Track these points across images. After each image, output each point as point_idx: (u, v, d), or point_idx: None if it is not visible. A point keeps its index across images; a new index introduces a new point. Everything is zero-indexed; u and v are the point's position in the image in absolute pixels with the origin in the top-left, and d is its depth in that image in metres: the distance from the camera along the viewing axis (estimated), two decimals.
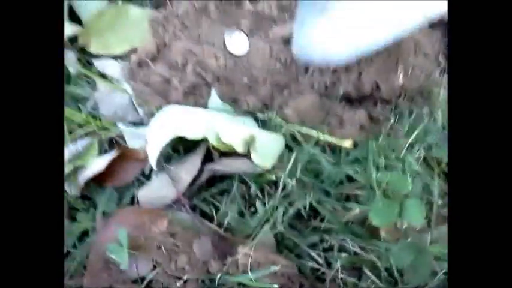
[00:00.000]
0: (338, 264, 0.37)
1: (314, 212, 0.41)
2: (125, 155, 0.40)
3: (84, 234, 0.39)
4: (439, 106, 0.46)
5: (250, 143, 0.39)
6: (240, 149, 0.38)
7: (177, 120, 0.40)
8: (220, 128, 0.39)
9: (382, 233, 0.38)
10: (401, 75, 0.45)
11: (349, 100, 0.45)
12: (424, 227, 0.38)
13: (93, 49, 0.48)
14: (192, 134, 0.39)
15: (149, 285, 0.37)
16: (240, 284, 0.36)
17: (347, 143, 0.40)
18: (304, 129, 0.41)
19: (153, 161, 0.38)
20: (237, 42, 0.45)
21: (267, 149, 0.40)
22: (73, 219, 0.40)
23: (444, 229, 0.38)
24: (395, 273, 0.37)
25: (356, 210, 0.39)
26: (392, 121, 0.44)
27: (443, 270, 0.36)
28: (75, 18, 0.50)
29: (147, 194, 0.39)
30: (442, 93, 0.47)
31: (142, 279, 0.36)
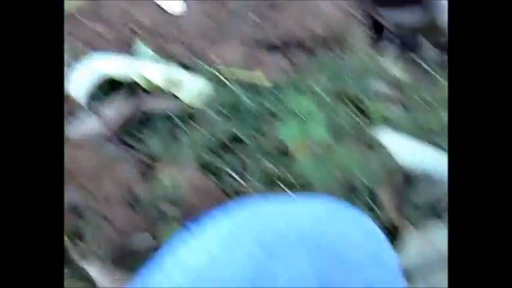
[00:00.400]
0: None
1: (236, 141, 0.44)
2: None
3: None
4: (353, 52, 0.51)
5: (175, 82, 0.43)
6: (165, 87, 0.42)
7: (105, 64, 0.44)
8: (146, 69, 0.43)
9: (293, 150, 0.42)
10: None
11: (272, 47, 0.50)
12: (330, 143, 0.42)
13: None
14: (119, 75, 0.43)
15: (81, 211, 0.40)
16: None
17: (257, 74, 0.44)
18: (224, 69, 0.46)
19: (80, 99, 0.42)
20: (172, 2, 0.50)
21: (192, 88, 0.44)
22: None
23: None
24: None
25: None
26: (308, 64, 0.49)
27: None
28: None
29: (77, 130, 0.43)
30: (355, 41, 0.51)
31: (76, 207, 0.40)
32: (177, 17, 0.50)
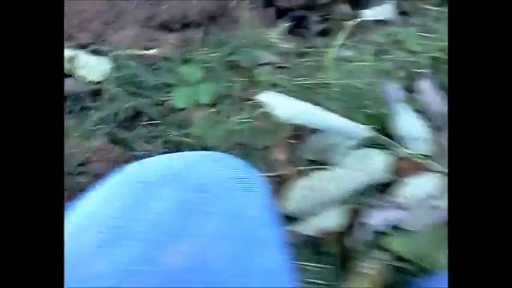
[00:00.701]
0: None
1: (140, 114, 0.55)
2: None
3: None
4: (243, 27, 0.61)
5: (73, 62, 0.51)
6: (70, 69, 0.51)
7: None
8: None
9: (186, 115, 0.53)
10: None
11: (167, 27, 0.60)
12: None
13: None
14: None
15: None
16: None
17: (152, 52, 0.54)
18: (124, 50, 0.55)
19: None
20: None
21: (91, 67, 0.53)
22: None
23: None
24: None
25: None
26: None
27: None
28: None
29: None
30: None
31: None
32: (77, 3, 0.58)
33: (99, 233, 0.29)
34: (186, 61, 0.55)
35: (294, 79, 0.60)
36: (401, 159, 0.53)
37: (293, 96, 0.56)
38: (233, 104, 0.55)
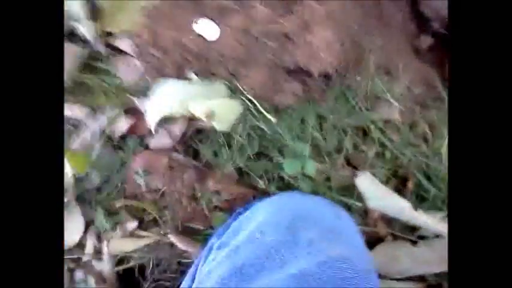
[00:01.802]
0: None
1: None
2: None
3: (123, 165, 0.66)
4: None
5: (211, 115, 0.59)
6: (204, 119, 0.59)
7: (167, 99, 0.61)
8: (192, 105, 0.59)
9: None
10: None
11: (289, 71, 0.61)
12: None
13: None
14: (176, 112, 0.60)
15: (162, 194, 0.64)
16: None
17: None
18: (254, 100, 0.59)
19: (152, 126, 0.61)
20: (208, 29, 0.61)
21: (225, 116, 0.61)
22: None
23: None
24: None
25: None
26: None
27: None
28: None
29: (154, 143, 0.64)
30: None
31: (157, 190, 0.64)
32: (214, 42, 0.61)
33: None
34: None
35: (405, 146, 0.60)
36: None
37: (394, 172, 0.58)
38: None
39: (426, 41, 0.67)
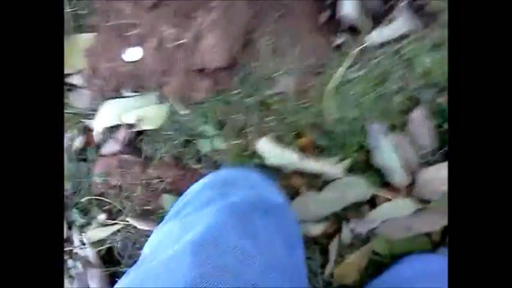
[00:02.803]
0: None
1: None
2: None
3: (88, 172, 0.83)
4: None
5: (140, 119, 0.75)
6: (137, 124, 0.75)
7: (109, 115, 0.78)
8: (124, 116, 0.76)
9: None
10: None
11: (199, 72, 0.76)
12: None
13: None
14: (117, 123, 0.77)
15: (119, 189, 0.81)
16: None
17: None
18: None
19: (98, 138, 0.78)
20: (133, 54, 0.78)
21: (155, 118, 0.77)
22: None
23: None
24: None
25: None
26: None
27: None
28: None
29: (106, 150, 0.81)
30: None
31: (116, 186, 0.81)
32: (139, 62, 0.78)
33: None
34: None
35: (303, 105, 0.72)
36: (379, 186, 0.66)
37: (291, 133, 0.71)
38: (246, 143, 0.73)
39: (324, 16, 0.79)
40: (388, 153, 0.65)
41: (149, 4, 0.78)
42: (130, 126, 0.78)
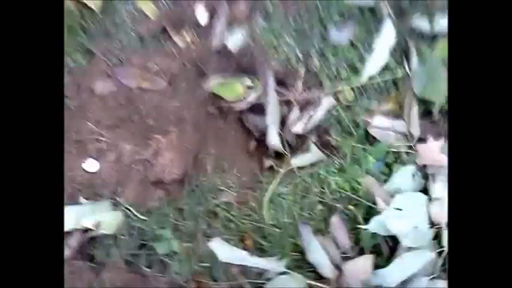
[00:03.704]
0: None
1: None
2: None
3: None
4: None
5: (98, 225, 0.81)
6: (94, 228, 0.81)
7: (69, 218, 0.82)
8: (83, 221, 0.81)
9: None
10: None
11: (154, 183, 0.87)
12: None
13: None
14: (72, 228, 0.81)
15: None
16: None
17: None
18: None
19: None
20: (91, 165, 0.87)
21: (110, 223, 0.83)
22: None
23: None
24: None
25: None
26: None
27: None
28: None
29: None
30: None
31: None
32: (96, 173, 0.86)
33: None
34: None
35: (243, 215, 0.87)
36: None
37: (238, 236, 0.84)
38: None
39: (252, 144, 1.00)
40: (318, 251, 0.82)
41: (111, 123, 0.90)
42: (86, 231, 0.82)
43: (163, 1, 0.98)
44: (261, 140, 1.01)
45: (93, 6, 0.94)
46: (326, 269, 0.81)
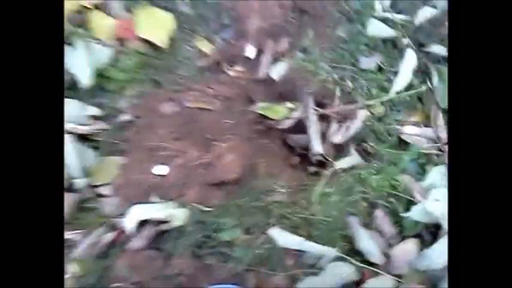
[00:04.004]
0: None
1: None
2: None
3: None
4: None
5: (171, 216, 0.92)
6: (167, 220, 0.91)
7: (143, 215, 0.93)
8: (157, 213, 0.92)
9: None
10: None
11: (213, 185, 0.99)
12: None
13: None
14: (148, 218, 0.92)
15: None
16: None
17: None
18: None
19: (129, 231, 0.91)
20: (161, 170, 0.99)
21: (179, 217, 0.93)
22: None
23: None
24: None
25: None
26: None
27: None
28: None
29: (132, 245, 0.92)
30: None
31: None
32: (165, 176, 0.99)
33: None
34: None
35: (296, 212, 0.96)
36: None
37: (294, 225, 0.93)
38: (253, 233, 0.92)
39: (295, 159, 1.13)
40: (366, 239, 0.90)
41: (176, 136, 1.05)
42: (158, 223, 0.93)
43: (219, 40, 1.17)
44: (302, 154, 1.14)
45: (160, 44, 1.14)
46: (375, 255, 0.89)
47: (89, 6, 1.15)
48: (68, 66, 1.07)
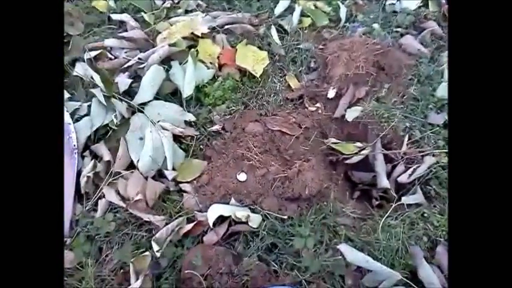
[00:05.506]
0: None
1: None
2: None
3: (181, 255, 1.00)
4: None
5: (248, 216, 1.01)
6: (244, 220, 1.01)
7: (221, 213, 1.03)
8: (237, 213, 1.02)
9: None
10: None
11: (287, 199, 1.09)
12: None
13: None
14: (226, 215, 1.02)
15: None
16: None
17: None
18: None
19: (211, 224, 1.00)
20: (242, 177, 1.11)
21: (255, 220, 1.03)
22: None
23: None
24: None
25: None
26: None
27: None
28: None
29: (206, 239, 1.01)
30: None
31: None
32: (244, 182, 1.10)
33: None
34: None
35: (361, 235, 1.04)
36: None
37: (359, 247, 1.00)
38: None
39: (357, 193, 1.22)
40: (428, 269, 0.96)
41: (258, 151, 1.17)
42: (235, 223, 1.02)
43: (306, 79, 1.34)
44: (363, 190, 1.24)
45: (255, 74, 1.31)
46: (436, 286, 0.93)
47: (200, 35, 1.36)
48: (173, 78, 1.25)
